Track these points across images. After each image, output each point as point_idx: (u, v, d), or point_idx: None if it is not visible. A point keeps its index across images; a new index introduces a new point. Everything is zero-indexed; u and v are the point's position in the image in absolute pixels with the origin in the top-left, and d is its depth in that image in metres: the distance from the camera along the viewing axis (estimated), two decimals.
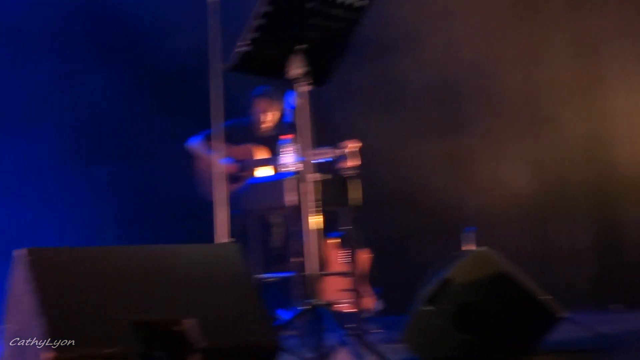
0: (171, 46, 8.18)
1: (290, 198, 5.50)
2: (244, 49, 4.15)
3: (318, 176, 4.41)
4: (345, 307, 6.78)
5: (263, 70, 4.39)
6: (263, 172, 6.87)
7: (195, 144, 7.23)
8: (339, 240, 7.24)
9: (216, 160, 6.23)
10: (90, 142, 8.50)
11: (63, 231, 8.18)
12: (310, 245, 4.38)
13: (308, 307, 4.33)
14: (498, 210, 7.92)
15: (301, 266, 5.64)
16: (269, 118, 7.21)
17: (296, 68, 4.25)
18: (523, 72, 8.05)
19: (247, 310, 3.45)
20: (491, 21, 8.08)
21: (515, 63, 8.05)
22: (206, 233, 7.19)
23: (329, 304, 4.40)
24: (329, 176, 5.69)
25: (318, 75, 4.38)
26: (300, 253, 5.67)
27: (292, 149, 6.19)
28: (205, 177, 7.19)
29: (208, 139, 7.15)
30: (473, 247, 4.70)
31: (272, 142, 7.10)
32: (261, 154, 7.04)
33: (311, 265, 4.37)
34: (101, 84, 8.43)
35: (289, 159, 6.32)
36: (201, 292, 3.43)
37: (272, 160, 6.90)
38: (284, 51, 4.23)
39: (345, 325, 4.33)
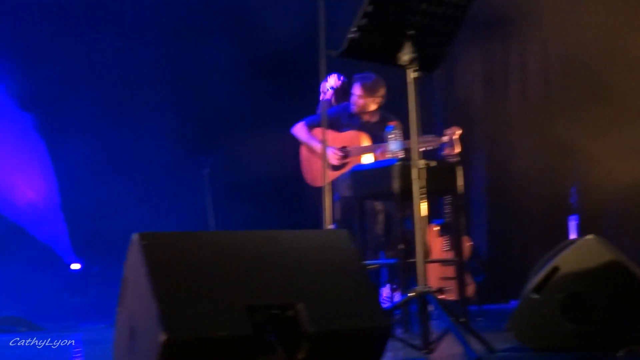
0: (280, 32, 8.21)
1: (397, 185, 5.49)
2: (353, 35, 4.16)
3: (426, 163, 4.37)
4: (448, 294, 6.77)
5: (372, 56, 4.39)
6: (368, 158, 6.87)
7: (299, 131, 7.27)
8: (440, 227, 7.23)
9: (321, 147, 6.25)
10: (200, 126, 8.63)
11: (170, 215, 8.33)
12: (417, 232, 4.36)
13: (413, 293, 4.32)
14: (608, 201, 7.73)
15: (405, 253, 5.65)
16: (370, 105, 7.19)
17: (405, 54, 4.25)
18: None
19: (358, 296, 3.46)
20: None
21: (635, 48, 7.82)
22: (306, 219, 7.25)
23: (435, 291, 4.39)
24: (434, 163, 5.67)
25: (427, 61, 4.37)
26: (404, 240, 5.69)
27: (396, 135, 6.17)
28: (309, 163, 7.23)
29: (312, 125, 7.19)
30: (576, 236, 4.64)
31: (374, 129, 7.11)
32: (365, 140, 7.03)
33: (417, 252, 4.35)
34: (211, 71, 8.54)
35: (394, 145, 6.32)
36: (312, 277, 3.45)
37: (375, 147, 6.89)
38: (393, 37, 4.23)
39: (450, 313, 4.31)
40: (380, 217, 7.04)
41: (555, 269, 4.32)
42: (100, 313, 7.40)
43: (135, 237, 3.38)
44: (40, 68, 8.30)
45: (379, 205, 6.99)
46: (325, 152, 5.47)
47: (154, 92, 8.56)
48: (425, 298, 4.28)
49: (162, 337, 3.11)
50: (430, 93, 8.27)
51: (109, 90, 8.51)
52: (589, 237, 4.41)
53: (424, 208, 4.37)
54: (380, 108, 7.20)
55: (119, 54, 8.50)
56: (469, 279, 6.92)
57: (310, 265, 3.48)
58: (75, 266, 8.42)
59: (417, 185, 4.28)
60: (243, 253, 3.43)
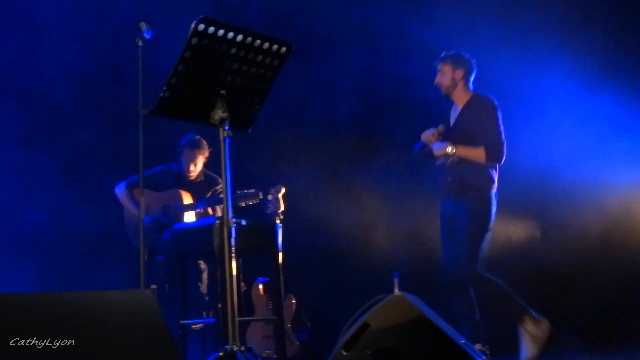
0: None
1: (218, 243, 5.41)
2: (163, 94, 4.14)
3: (236, 221, 4.36)
4: (270, 353, 6.77)
5: (184, 115, 4.36)
6: (190, 217, 6.86)
7: (119, 192, 7.19)
8: (264, 285, 7.23)
9: (135, 209, 6.20)
10: None
11: None
12: (228, 290, 4.35)
13: (224, 352, 4.29)
14: None
15: (225, 312, 5.61)
16: (197, 166, 7.18)
17: (217, 113, 4.25)
18: None
19: (161, 356, 3.42)
20: None
21: None
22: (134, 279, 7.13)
23: (246, 349, 4.37)
24: (253, 221, 5.64)
25: (240, 120, 4.40)
26: (222, 298, 5.65)
27: (219, 193, 6.19)
28: (131, 224, 7.14)
29: (132, 186, 7.10)
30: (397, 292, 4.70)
31: (198, 188, 7.11)
32: (187, 199, 7.02)
33: (228, 311, 4.34)
34: None
35: (215, 203, 6.32)
36: (116, 339, 3.38)
37: (196, 205, 6.89)
38: (205, 96, 4.23)
39: None
40: (204, 276, 7.01)
41: (366, 326, 4.37)
42: None
43: None
44: None
45: (202, 264, 6.98)
46: (144, 213, 5.39)
47: None
48: (235, 357, 4.25)
49: None
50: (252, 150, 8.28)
51: None
52: (397, 293, 4.49)
53: (234, 266, 4.35)
54: (204, 168, 7.22)
55: None
56: (292, 337, 6.94)
57: (114, 328, 3.41)
58: None
59: (227, 243, 4.28)
60: (49, 315, 3.33)
